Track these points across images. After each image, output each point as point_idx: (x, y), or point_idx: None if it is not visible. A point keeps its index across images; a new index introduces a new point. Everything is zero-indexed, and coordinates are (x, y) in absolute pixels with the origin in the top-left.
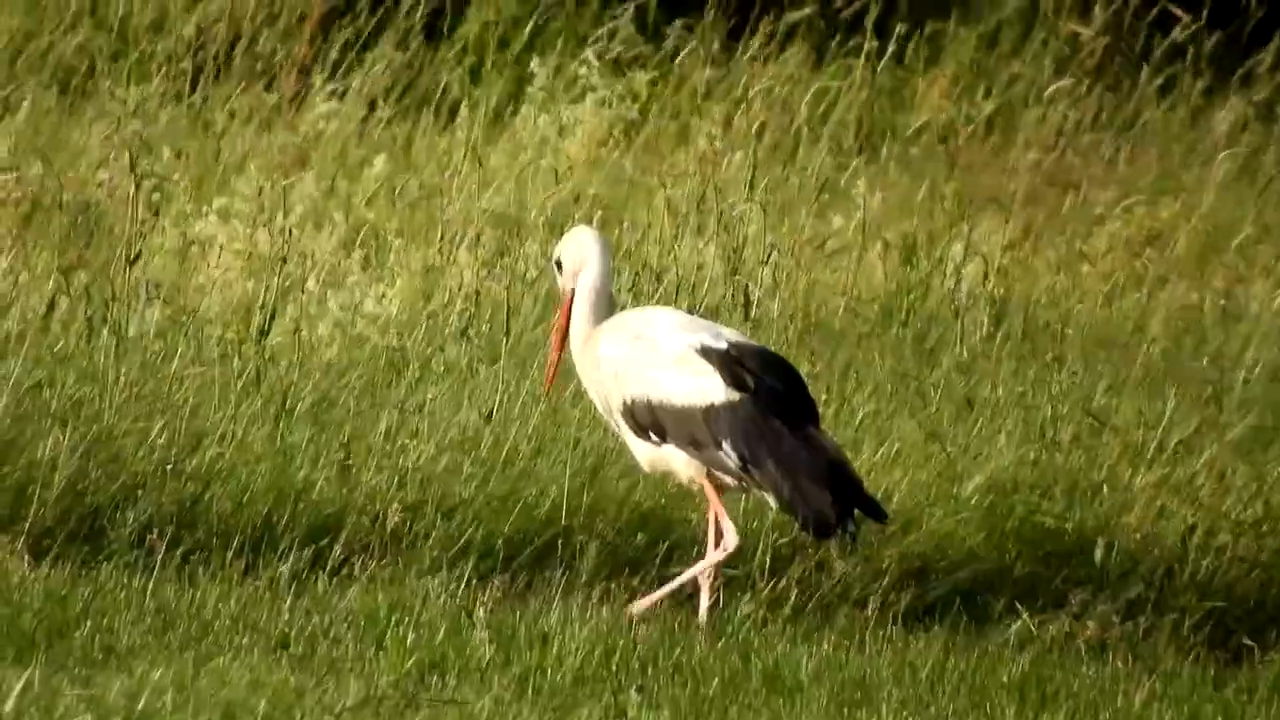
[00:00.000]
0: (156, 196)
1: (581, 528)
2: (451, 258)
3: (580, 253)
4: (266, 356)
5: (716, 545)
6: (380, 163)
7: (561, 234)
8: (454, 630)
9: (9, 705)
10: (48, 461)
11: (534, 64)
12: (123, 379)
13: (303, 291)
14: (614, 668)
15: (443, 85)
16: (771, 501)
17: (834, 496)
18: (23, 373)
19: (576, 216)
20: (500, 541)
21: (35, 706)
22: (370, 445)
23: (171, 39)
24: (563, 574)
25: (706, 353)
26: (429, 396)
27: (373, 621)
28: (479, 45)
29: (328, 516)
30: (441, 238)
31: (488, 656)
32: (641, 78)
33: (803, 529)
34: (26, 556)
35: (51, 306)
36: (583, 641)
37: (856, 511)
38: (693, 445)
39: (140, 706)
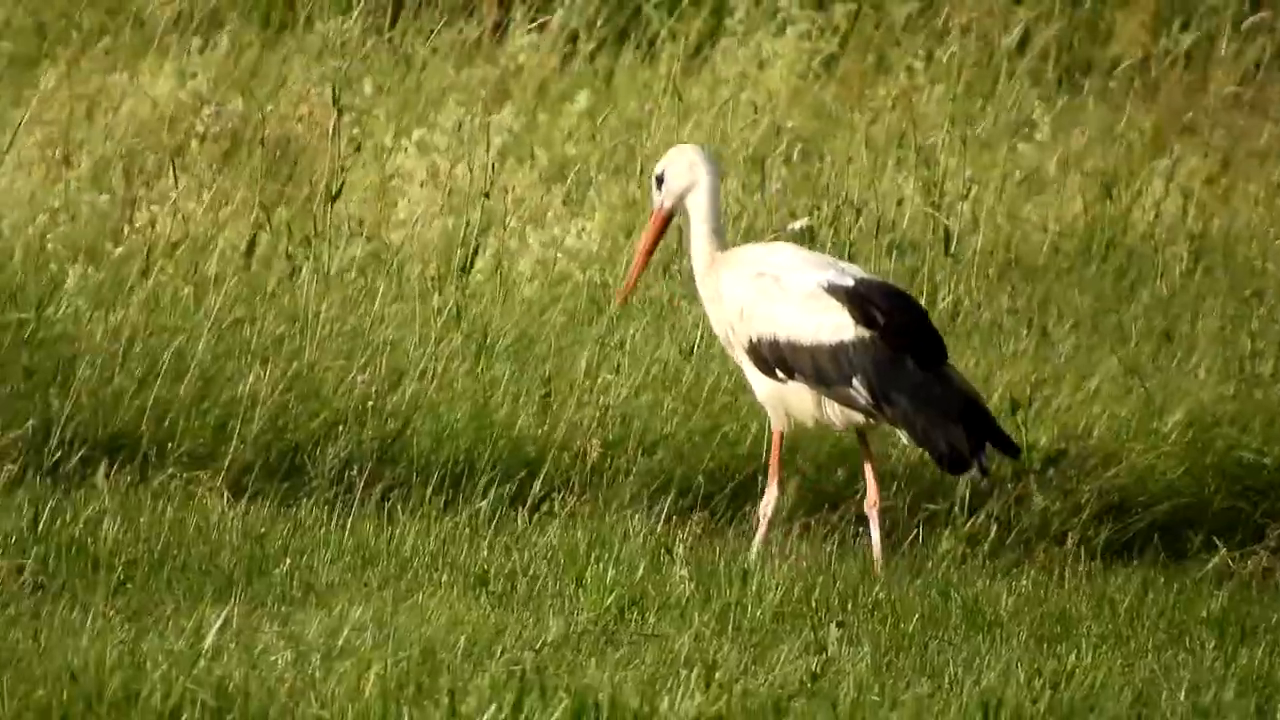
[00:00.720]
0: (356, 131)
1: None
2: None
3: (690, 173)
4: (467, 293)
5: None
6: (581, 97)
7: (762, 167)
8: (654, 566)
9: (209, 641)
10: (248, 398)
11: None
12: (323, 315)
13: (503, 227)
14: (813, 604)
15: (644, 19)
16: (904, 438)
17: (967, 431)
18: (224, 309)
19: (776, 150)
20: (700, 478)
21: (235, 643)
22: (571, 381)
23: None
24: None
25: (834, 290)
26: (630, 332)
27: (572, 558)
28: None
29: (528, 453)
30: (641, 172)
31: (687, 593)
32: (841, 10)
33: (937, 464)
34: (226, 493)
35: (252, 243)
36: (782, 578)
37: (989, 447)
38: (822, 383)
39: (339, 643)
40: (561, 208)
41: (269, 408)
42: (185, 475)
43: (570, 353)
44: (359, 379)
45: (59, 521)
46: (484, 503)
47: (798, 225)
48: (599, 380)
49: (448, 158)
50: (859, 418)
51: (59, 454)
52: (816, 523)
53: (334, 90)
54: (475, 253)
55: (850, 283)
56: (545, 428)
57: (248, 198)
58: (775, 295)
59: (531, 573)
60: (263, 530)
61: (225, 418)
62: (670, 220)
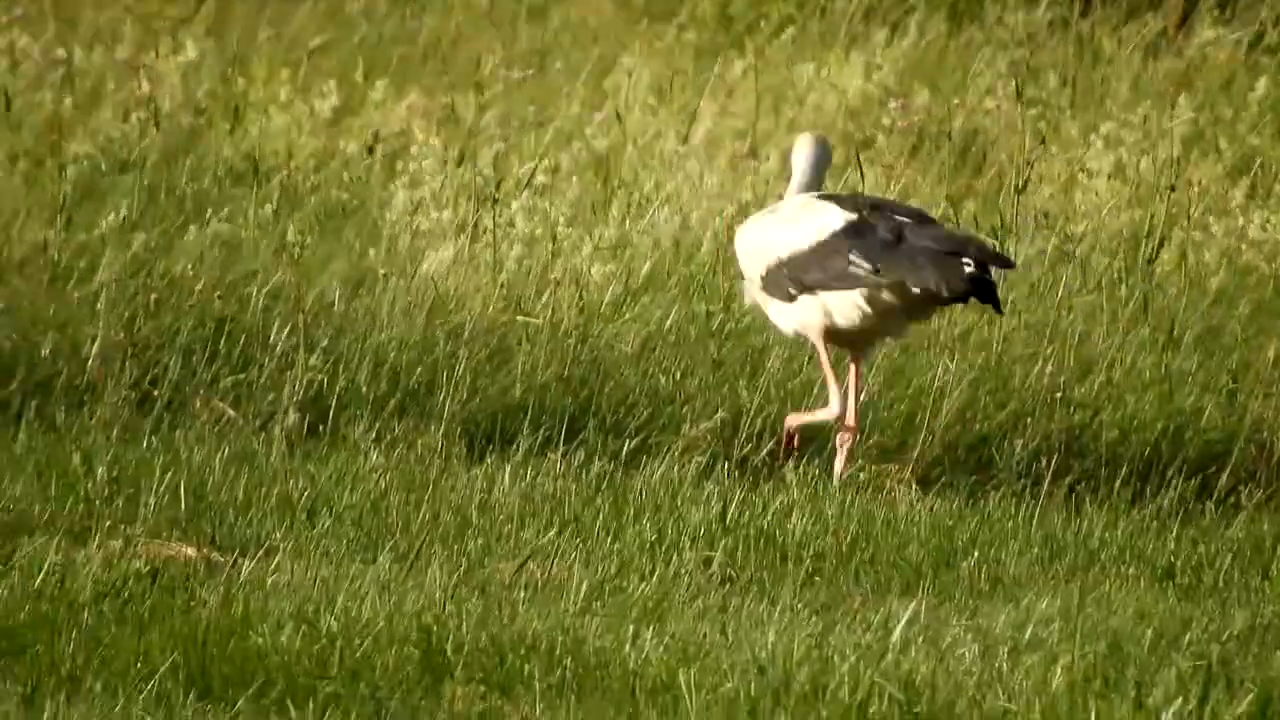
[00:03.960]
0: (1043, 125)
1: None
2: None
3: (791, 159)
4: (1153, 284)
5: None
6: (1263, 87)
7: None
8: None
9: (896, 635)
10: (936, 391)
11: None
12: (1011, 307)
13: (1188, 219)
14: None
15: None
16: (913, 288)
17: (962, 255)
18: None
19: None
20: None
21: (922, 637)
22: (1258, 372)
23: None
24: None
25: (828, 196)
26: None
27: (1258, 550)
28: None
29: (1215, 444)
30: None
31: None
32: None
33: (940, 291)
34: (914, 486)
35: None
36: None
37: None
38: (833, 277)
39: (1026, 636)
40: (1245, 199)
41: (957, 400)
42: (874, 467)
43: (1256, 343)
44: (1047, 370)
45: (747, 514)
46: (1171, 494)
47: None
48: None
49: (1134, 151)
50: (868, 310)
51: (748, 446)
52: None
53: (1018, 83)
54: (1160, 245)
55: (852, 195)
56: (1233, 419)
57: (934, 190)
58: (774, 221)
59: (1217, 565)
60: (950, 523)
61: (914, 410)
62: None
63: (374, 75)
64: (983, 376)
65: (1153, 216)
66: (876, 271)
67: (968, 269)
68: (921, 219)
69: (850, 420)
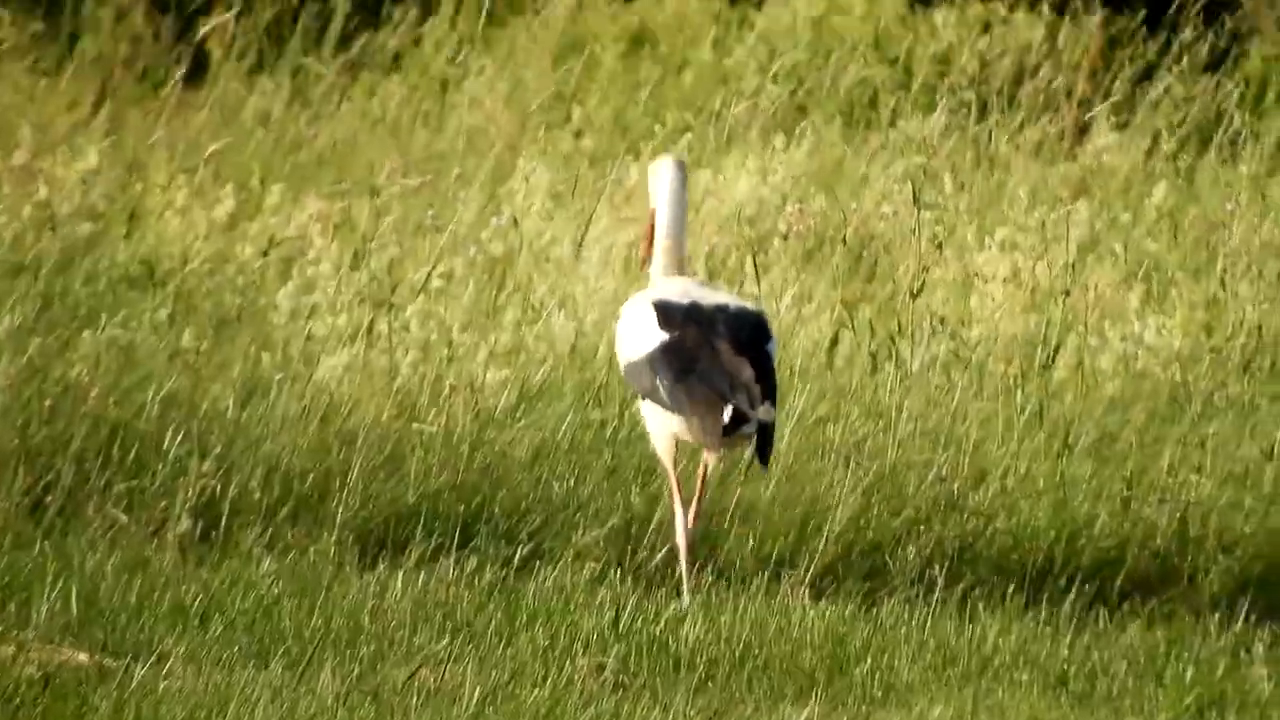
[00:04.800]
0: (939, 229)
1: None
2: (1233, 290)
3: (652, 186)
4: (1049, 390)
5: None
6: (1160, 193)
7: None
8: (1233, 667)
9: None
10: (831, 496)
11: None
12: (906, 413)
13: (1084, 324)
14: None
15: (1226, 117)
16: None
17: (725, 401)
18: (806, 407)
19: None
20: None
21: None
22: (1152, 480)
23: (955, 71)
24: None
25: (661, 305)
26: (1210, 431)
27: (1152, 658)
28: (1261, 78)
29: (1109, 551)
30: (1223, 270)
31: (1267, 693)
32: None
33: (703, 437)
34: (806, 592)
35: (834, 341)
36: None
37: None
38: (649, 394)
39: None
40: (1141, 305)
41: (850, 506)
42: (766, 574)
43: (1152, 450)
44: (941, 477)
45: (640, 620)
46: (1065, 601)
47: None
48: (1179, 479)
49: (1030, 255)
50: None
51: (642, 553)
52: None
53: (914, 188)
54: (1056, 350)
55: (686, 302)
56: (1127, 526)
57: (829, 295)
58: (623, 324)
59: (1111, 672)
60: (843, 629)
61: (807, 515)
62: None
63: (270, 180)
64: (876, 483)
65: (1048, 322)
66: (668, 403)
67: (725, 418)
68: (741, 334)
69: (690, 523)
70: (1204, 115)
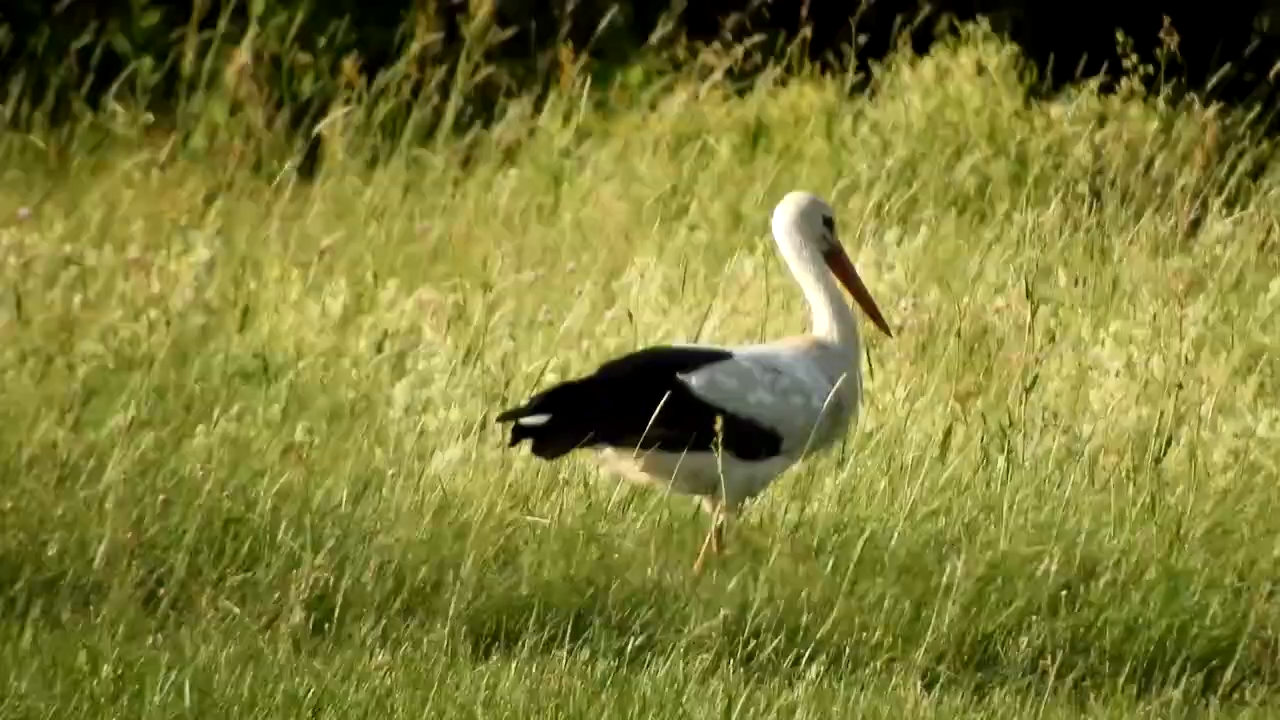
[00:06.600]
0: (1053, 322)
1: None
2: None
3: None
4: (1161, 482)
5: None
6: (1276, 287)
7: None
8: None
9: None
10: (942, 588)
11: None
12: (1017, 505)
13: (1197, 418)
14: None
15: None
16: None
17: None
18: (920, 500)
19: None
20: None
21: None
22: (1264, 570)
23: (1070, 165)
24: None
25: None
26: None
27: None
28: None
29: (1220, 641)
30: None
31: None
32: None
33: None
34: (918, 683)
35: (948, 434)
36: None
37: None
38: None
39: None
40: (1254, 398)
41: (963, 596)
42: (877, 664)
43: (1264, 542)
44: (1053, 569)
45: (752, 711)
46: (1176, 691)
47: None
48: None
49: (1144, 349)
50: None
51: (753, 643)
52: None
53: (1028, 282)
54: (1169, 443)
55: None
56: (1238, 616)
57: (943, 389)
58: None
59: None
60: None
61: (919, 607)
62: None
63: (384, 273)
64: (989, 573)
65: (1162, 415)
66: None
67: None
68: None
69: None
70: None
